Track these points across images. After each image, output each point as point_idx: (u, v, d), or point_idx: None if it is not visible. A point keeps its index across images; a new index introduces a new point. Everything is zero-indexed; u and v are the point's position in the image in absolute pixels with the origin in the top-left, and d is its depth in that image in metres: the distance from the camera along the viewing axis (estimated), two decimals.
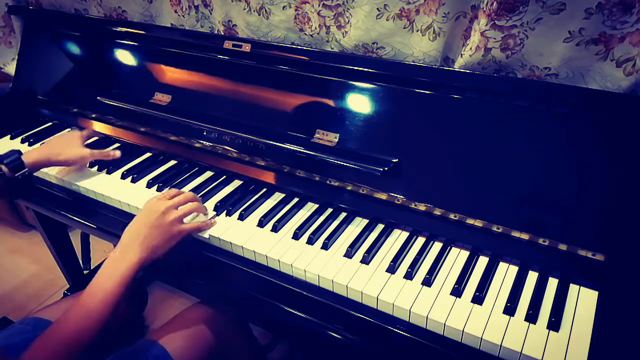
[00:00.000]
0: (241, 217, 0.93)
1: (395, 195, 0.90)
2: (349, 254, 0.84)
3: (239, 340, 1.07)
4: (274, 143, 0.98)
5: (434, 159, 0.89)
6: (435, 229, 0.88)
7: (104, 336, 0.74)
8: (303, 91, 1.01)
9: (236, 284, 0.90)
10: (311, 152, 0.95)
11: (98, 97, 1.20)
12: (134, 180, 1.06)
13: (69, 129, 1.18)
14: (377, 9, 0.95)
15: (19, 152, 1.00)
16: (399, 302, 0.75)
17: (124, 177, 1.08)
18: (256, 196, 0.99)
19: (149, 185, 1.04)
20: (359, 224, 0.92)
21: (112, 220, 1.02)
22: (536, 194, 0.81)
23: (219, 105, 1.09)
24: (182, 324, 0.96)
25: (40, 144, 1.17)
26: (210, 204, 0.97)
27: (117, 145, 1.21)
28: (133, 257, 0.78)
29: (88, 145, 1.20)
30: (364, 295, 0.77)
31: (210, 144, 1.09)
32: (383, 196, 0.91)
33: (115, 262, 0.78)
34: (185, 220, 0.88)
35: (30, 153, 1.02)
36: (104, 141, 1.23)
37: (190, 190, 1.01)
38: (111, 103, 1.18)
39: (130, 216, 0.99)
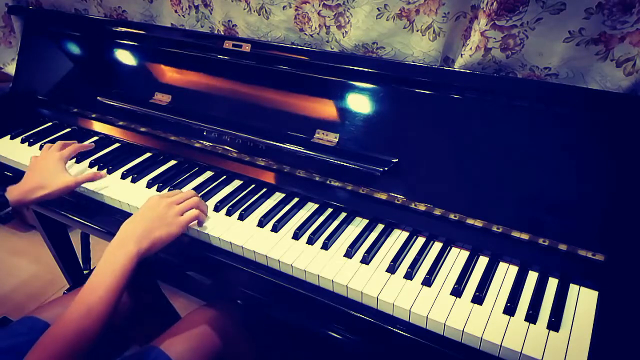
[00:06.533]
0: (241, 217, 0.93)
1: (395, 195, 0.90)
2: (349, 254, 0.84)
3: (245, 343, 1.06)
4: (274, 143, 0.98)
5: (434, 159, 0.89)
6: (435, 229, 0.88)
7: (110, 337, 0.72)
8: (303, 91, 1.01)
9: (236, 284, 0.90)
10: (311, 152, 0.95)
11: (98, 97, 1.20)
12: (134, 180, 1.06)
13: (49, 145, 1.06)
14: (377, 9, 0.95)
15: (3, 190, 0.95)
16: (399, 302, 0.75)
17: (124, 177, 1.08)
18: (256, 196, 0.99)
19: (149, 185, 1.04)
20: (359, 224, 0.92)
21: (112, 220, 1.02)
22: (536, 194, 0.81)
23: (219, 105, 1.10)
24: (185, 330, 0.94)
25: (23, 179, 1.00)
26: (210, 204, 0.97)
27: (117, 145, 1.21)
28: (132, 248, 0.76)
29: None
30: (364, 295, 0.77)
31: (210, 144, 1.09)
32: (383, 196, 0.91)
33: (113, 255, 0.76)
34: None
35: (13, 190, 0.95)
36: (104, 141, 1.23)
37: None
38: (111, 103, 1.18)
39: (130, 216, 1.00)
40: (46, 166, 0.99)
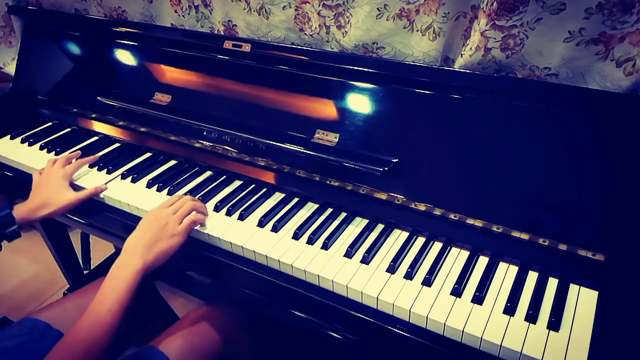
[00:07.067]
0: (241, 217, 0.93)
1: (395, 195, 0.90)
2: (349, 254, 0.84)
3: (245, 343, 1.06)
4: (274, 143, 0.98)
5: (434, 159, 0.89)
6: (435, 229, 0.88)
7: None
8: (303, 91, 1.01)
9: (236, 284, 0.90)
10: (311, 152, 0.95)
11: (98, 97, 1.20)
12: (134, 180, 1.06)
13: (53, 160, 1.08)
14: (377, 9, 0.95)
15: (10, 209, 0.97)
16: (399, 302, 0.75)
17: (124, 177, 1.08)
18: (256, 196, 0.99)
19: (149, 185, 1.04)
20: (359, 224, 0.92)
21: (112, 220, 1.02)
22: (536, 194, 0.81)
23: (219, 105, 1.10)
24: (184, 330, 0.94)
25: (28, 198, 1.01)
26: (210, 204, 0.97)
27: (117, 145, 1.21)
28: (137, 263, 0.79)
29: (88, 145, 1.21)
30: (364, 295, 0.77)
31: (210, 144, 1.09)
32: (383, 196, 0.91)
33: (121, 269, 0.79)
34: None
35: (20, 208, 0.98)
36: (104, 141, 1.23)
37: (190, 190, 1.02)
38: (111, 103, 1.18)
39: (130, 216, 1.00)
40: (50, 185, 1.02)
